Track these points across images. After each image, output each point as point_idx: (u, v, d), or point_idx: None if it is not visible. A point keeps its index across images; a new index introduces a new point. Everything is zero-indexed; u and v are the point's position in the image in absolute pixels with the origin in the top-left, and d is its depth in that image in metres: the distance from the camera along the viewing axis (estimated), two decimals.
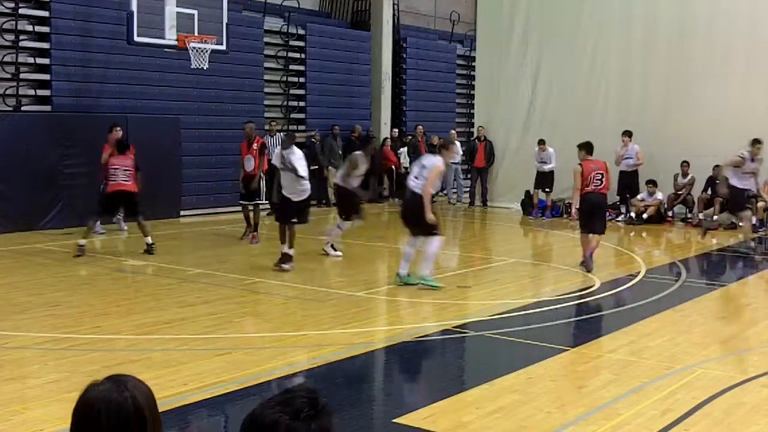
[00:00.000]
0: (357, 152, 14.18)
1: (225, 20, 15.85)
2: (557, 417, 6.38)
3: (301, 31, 22.09)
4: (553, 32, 21.45)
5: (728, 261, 15.25)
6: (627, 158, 19.18)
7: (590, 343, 8.62)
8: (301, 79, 22.07)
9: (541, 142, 20.24)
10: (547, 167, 20.18)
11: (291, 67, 21.83)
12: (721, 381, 7.22)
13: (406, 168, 23.24)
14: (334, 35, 23.07)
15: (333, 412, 2.13)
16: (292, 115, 21.87)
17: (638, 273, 12.77)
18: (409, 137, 23.78)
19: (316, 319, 9.38)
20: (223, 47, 15.83)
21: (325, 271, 12.83)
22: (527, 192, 20.90)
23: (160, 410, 2.34)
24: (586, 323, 9.66)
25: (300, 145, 21.41)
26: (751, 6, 19.19)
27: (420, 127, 23.58)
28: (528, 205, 20.80)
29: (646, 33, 20.23)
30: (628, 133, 19.20)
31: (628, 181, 19.27)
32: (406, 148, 23.36)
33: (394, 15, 24.60)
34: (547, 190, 20.38)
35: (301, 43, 22.09)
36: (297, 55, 22.01)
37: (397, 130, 24.01)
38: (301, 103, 22.12)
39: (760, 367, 7.73)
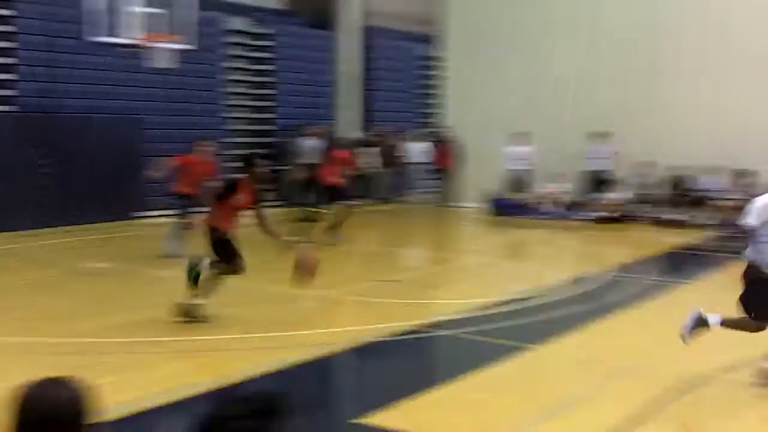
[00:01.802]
0: None
1: (189, 20, 15.78)
2: (522, 414, 6.44)
3: (267, 31, 22.05)
4: (522, 33, 21.62)
5: (694, 259, 15.43)
6: (603, 158, 19.55)
7: (556, 341, 8.69)
8: (268, 80, 22.02)
9: (520, 137, 20.25)
10: (524, 166, 20.28)
11: (257, 67, 21.78)
12: (684, 377, 7.31)
13: (375, 168, 23.29)
14: (300, 35, 23.05)
15: (290, 413, 2.14)
16: (259, 116, 21.82)
17: (604, 271, 12.89)
18: (377, 137, 23.82)
19: (285, 320, 9.38)
20: (188, 47, 15.78)
21: (283, 272, 12.71)
22: (496, 191, 21.00)
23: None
24: (552, 321, 9.72)
25: (265, 146, 21.63)
26: (724, 6, 19.43)
27: (386, 127, 23.62)
28: (497, 204, 20.89)
29: (616, 34, 20.43)
30: (605, 134, 19.47)
31: (598, 180, 19.68)
32: (372, 148, 23.38)
33: (360, 15, 24.63)
34: (523, 191, 20.47)
35: (267, 43, 22.05)
36: (263, 55, 21.96)
37: (369, 131, 24.03)
38: (268, 104, 22.07)
39: (724, 363, 7.82)
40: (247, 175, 9.26)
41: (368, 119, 25.12)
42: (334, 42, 23.89)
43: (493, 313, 9.88)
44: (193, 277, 9.19)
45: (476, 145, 21.83)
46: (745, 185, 18.49)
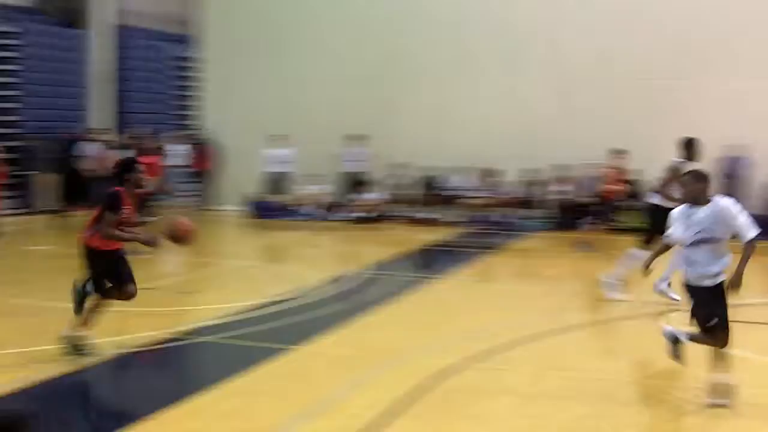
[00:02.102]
0: (678, 159, 10.76)
1: None
2: (281, 416, 6.49)
3: (11, 29, 20.83)
4: (281, 34, 21.71)
5: (445, 255, 16.18)
6: (360, 160, 20.14)
7: (315, 340, 8.82)
8: (12, 80, 20.80)
9: (279, 139, 20.36)
10: (284, 168, 20.47)
11: (0, 67, 20.54)
12: (439, 367, 7.65)
13: None
14: (48, 34, 21.95)
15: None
16: (2, 118, 20.56)
17: (361, 269, 13.23)
18: (132, 139, 23.09)
19: (33, 334, 8.84)
20: None
21: (30, 282, 12.07)
22: (256, 194, 20.99)
23: None
24: (312, 321, 9.86)
25: (10, 149, 20.38)
26: (470, 10, 20.45)
27: (142, 129, 22.95)
28: (257, 207, 20.89)
29: (372, 38, 20.97)
30: (361, 137, 19.95)
31: (356, 181, 20.22)
32: (126, 151, 22.67)
33: (113, 14, 23.81)
34: (283, 193, 20.64)
35: (12, 42, 20.83)
36: (7, 55, 20.72)
37: (123, 133, 23.24)
38: (14, 105, 20.85)
39: (476, 351, 8.26)
40: (125, 182, 8.01)
41: (123, 121, 24.31)
42: (86, 41, 22.94)
43: (254, 317, 9.88)
44: (79, 300, 8.12)
45: (236, 147, 21.71)
46: (492, 183, 19.68)
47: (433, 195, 19.96)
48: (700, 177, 6.90)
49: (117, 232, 7.89)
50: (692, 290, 6.89)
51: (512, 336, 8.97)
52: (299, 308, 10.40)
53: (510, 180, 19.61)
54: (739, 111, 17.79)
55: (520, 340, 8.89)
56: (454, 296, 11.95)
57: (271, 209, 20.55)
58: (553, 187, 19.16)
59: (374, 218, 19.57)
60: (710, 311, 6.78)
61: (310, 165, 20.24)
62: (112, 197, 7.94)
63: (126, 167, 8.17)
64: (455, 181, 20.00)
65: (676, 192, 10.28)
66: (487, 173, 19.68)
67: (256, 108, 21.80)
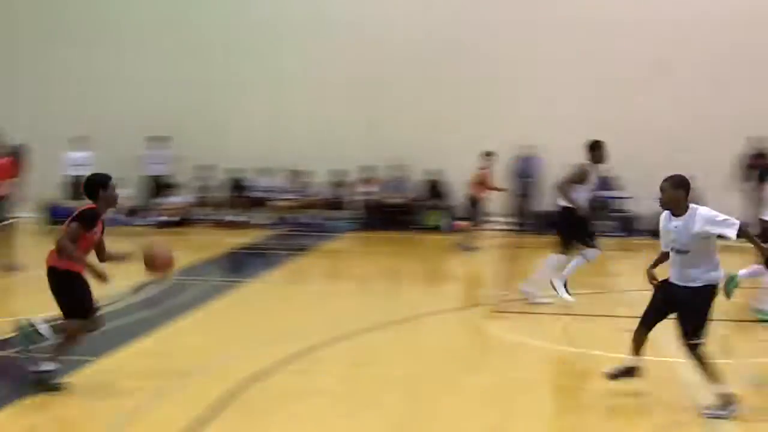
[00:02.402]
0: (584, 162, 10.50)
1: None
2: (89, 430, 6.23)
3: None
4: (76, 31, 20.84)
5: (254, 257, 16.05)
6: (163, 163, 19.70)
7: (121, 350, 8.53)
8: None
9: (78, 141, 19.53)
10: (84, 172, 19.67)
11: None
12: (250, 371, 7.57)
13: None
14: None
15: None
16: None
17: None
18: None
19: None
20: None
21: None
22: (53, 199, 20.05)
23: None
24: (116, 330, 9.48)
25: None
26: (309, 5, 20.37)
27: None
28: (54, 213, 19.93)
29: (175, 37, 20.47)
30: (163, 138, 19.59)
31: (160, 185, 19.75)
32: None
33: None
34: (83, 198, 19.85)
35: None
36: None
37: None
38: None
39: (287, 354, 8.22)
40: (100, 201, 7.55)
41: None
42: None
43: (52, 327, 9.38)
44: (26, 339, 7.47)
45: (36, 151, 20.60)
46: (301, 185, 19.72)
47: (241, 197, 19.76)
48: (679, 184, 6.39)
49: (74, 250, 7.33)
50: (668, 287, 6.62)
51: (323, 337, 9.00)
52: (108, 315, 9.99)
53: (318, 181, 19.71)
54: (531, 113, 18.65)
55: (331, 340, 8.94)
56: (264, 299, 11.86)
57: (70, 215, 19.62)
58: (360, 188, 19.42)
59: (180, 222, 19.13)
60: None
61: (110, 168, 19.31)
62: (87, 213, 7.41)
63: (102, 184, 7.58)
64: (263, 182, 19.88)
65: (579, 194, 10.38)
66: (296, 174, 19.68)
67: (49, 108, 20.76)
